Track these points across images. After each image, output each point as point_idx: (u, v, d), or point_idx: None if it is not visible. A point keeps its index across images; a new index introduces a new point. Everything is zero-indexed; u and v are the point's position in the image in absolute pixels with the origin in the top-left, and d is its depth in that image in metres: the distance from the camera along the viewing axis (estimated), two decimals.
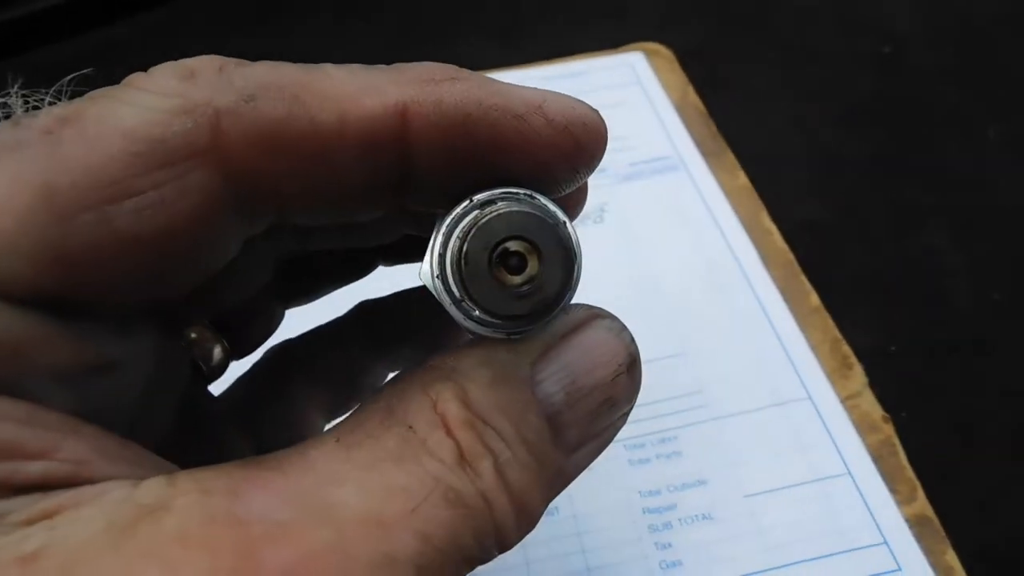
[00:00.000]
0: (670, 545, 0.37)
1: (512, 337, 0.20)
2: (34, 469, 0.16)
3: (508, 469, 0.18)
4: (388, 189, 0.20)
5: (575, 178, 0.21)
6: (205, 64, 0.18)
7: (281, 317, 0.30)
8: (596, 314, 0.21)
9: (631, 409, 0.22)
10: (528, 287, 0.19)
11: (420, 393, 0.19)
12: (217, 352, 0.27)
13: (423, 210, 0.21)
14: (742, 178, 0.51)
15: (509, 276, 0.19)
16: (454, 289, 0.19)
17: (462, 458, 0.18)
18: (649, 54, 0.59)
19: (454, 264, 0.19)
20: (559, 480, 0.20)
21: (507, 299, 0.19)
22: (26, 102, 0.19)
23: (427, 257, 0.20)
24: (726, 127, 0.54)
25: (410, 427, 0.18)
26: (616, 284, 0.47)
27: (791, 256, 0.47)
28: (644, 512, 0.38)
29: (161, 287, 0.19)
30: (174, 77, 0.18)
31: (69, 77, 0.20)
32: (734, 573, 0.36)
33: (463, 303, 0.19)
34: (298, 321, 0.31)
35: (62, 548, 0.15)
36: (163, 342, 0.22)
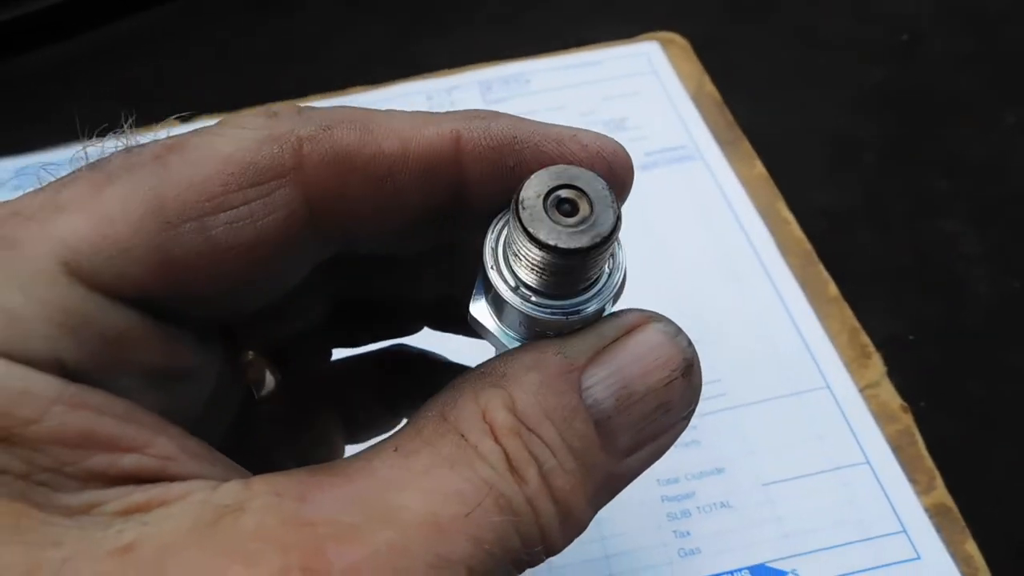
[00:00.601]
0: (688, 533, 0.37)
1: (569, 318, 0.21)
2: (128, 462, 0.18)
3: (553, 476, 0.19)
4: (445, 213, 0.22)
5: None
6: (286, 107, 0.21)
7: (328, 356, 0.32)
8: (649, 317, 0.22)
9: (693, 411, 0.22)
10: (583, 225, 0.20)
11: (471, 401, 0.20)
12: (269, 379, 0.29)
13: (474, 237, 0.23)
14: (759, 167, 0.51)
15: (564, 218, 0.20)
16: (508, 277, 0.21)
17: (510, 465, 0.19)
18: (664, 43, 0.59)
19: (512, 220, 0.20)
20: (611, 484, 0.21)
21: (565, 234, 0.19)
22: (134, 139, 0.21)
23: (484, 259, 0.21)
24: (741, 116, 0.54)
25: (462, 435, 0.19)
26: (633, 274, 0.46)
27: (808, 246, 0.47)
28: (663, 500, 0.38)
29: (240, 300, 0.21)
30: (261, 116, 0.21)
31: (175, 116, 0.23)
32: (752, 561, 0.36)
33: (519, 289, 0.21)
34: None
35: (154, 542, 0.17)
36: (227, 360, 0.24)
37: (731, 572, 0.36)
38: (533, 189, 0.20)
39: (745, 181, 0.50)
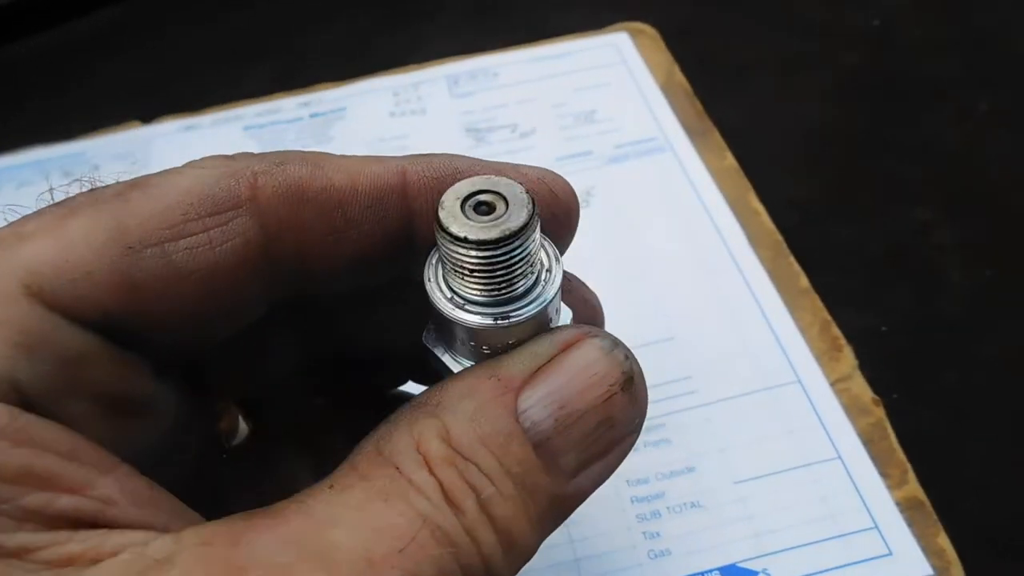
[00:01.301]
0: (658, 534, 0.36)
1: (499, 322, 0.21)
2: (65, 503, 0.18)
3: (492, 504, 0.19)
4: (394, 247, 0.23)
5: (548, 225, 0.23)
6: (244, 153, 0.23)
7: (303, 407, 0.31)
8: (584, 333, 0.22)
9: (640, 424, 0.22)
10: (496, 221, 0.20)
11: (405, 433, 0.20)
12: (242, 428, 0.29)
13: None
14: (729, 159, 0.50)
15: (479, 217, 0.21)
16: (444, 288, 0.22)
17: (446, 496, 0.19)
18: (634, 34, 0.58)
19: (434, 224, 0.21)
20: (559, 507, 0.21)
21: (476, 227, 0.20)
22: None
23: (424, 275, 0.22)
24: (712, 105, 0.53)
25: (397, 467, 0.19)
26: (603, 268, 0.46)
27: (779, 237, 0.46)
28: (632, 501, 0.37)
29: (204, 326, 0.22)
30: (220, 157, 0.22)
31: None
32: (723, 561, 0.35)
33: (453, 298, 0.21)
34: None
35: None
36: (192, 400, 0.25)
37: (702, 573, 0.35)
38: (453, 193, 0.21)
39: (715, 172, 0.50)
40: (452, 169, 0.23)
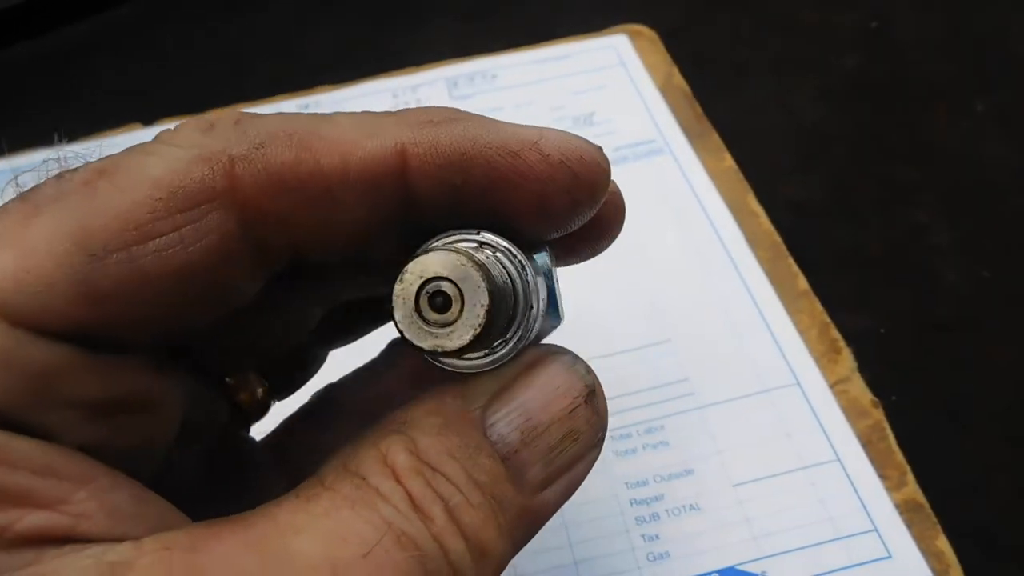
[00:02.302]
0: (657, 537, 0.37)
1: (466, 373, 0.21)
2: (34, 520, 0.17)
3: (460, 511, 0.19)
4: (393, 226, 0.21)
5: (576, 212, 0.22)
6: (223, 116, 0.20)
7: (323, 359, 0.31)
8: (547, 352, 0.22)
9: (603, 438, 0.22)
10: (449, 327, 0.19)
11: (371, 448, 0.20)
12: (259, 393, 0.28)
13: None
14: (728, 160, 0.50)
15: (433, 314, 0.19)
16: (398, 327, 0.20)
17: (414, 504, 0.19)
18: (632, 36, 0.58)
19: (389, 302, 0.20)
20: (528, 520, 0.21)
21: (428, 335, 0.19)
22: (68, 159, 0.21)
23: (393, 309, 0.20)
24: (711, 107, 0.53)
25: (363, 478, 0.19)
26: (601, 270, 0.46)
27: (778, 239, 0.46)
28: (631, 503, 0.37)
29: (184, 322, 0.21)
30: (196, 130, 0.20)
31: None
32: (722, 564, 0.36)
33: (407, 343, 0.20)
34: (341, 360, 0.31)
35: None
36: (199, 385, 0.24)
37: None
38: (403, 290, 0.19)
39: (714, 174, 0.50)
40: (458, 154, 0.21)
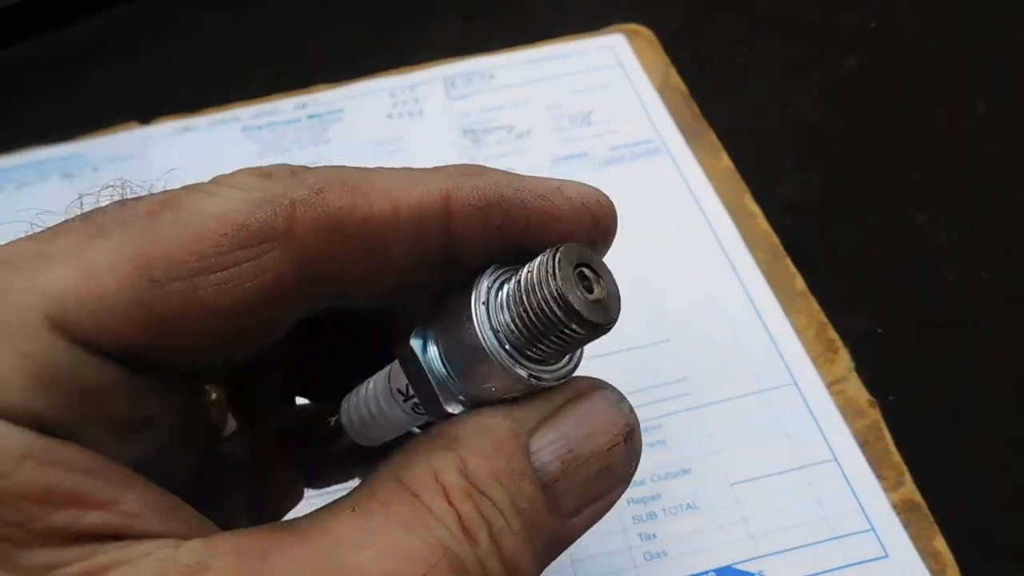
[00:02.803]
0: (654, 535, 0.36)
1: (531, 381, 0.21)
2: (93, 519, 0.18)
3: (502, 537, 0.20)
4: (433, 270, 0.23)
5: (595, 249, 0.24)
6: (279, 168, 0.22)
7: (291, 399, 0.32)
8: (596, 385, 0.23)
9: (633, 473, 0.23)
10: (599, 306, 0.21)
11: (423, 463, 0.21)
12: (231, 424, 0.29)
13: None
14: (725, 160, 0.50)
15: (586, 292, 0.21)
16: (492, 322, 0.21)
17: (463, 526, 0.20)
18: (630, 36, 0.58)
19: (541, 280, 0.21)
20: (555, 544, 0.22)
21: (587, 307, 0.21)
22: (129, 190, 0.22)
23: (473, 312, 0.22)
24: (709, 107, 0.53)
25: (417, 495, 0.20)
26: None
27: (775, 239, 0.46)
28: (628, 503, 0.37)
29: (223, 354, 0.22)
30: (254, 176, 0.21)
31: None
32: (719, 563, 0.35)
33: (498, 335, 0.21)
34: None
35: None
36: (189, 402, 0.25)
37: (698, 575, 0.35)
38: (566, 257, 0.21)
39: (711, 174, 0.50)
40: (497, 196, 0.22)
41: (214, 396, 0.28)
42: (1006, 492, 0.38)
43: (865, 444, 0.38)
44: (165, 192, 0.21)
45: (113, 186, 0.21)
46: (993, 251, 0.47)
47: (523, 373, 0.21)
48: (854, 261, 0.47)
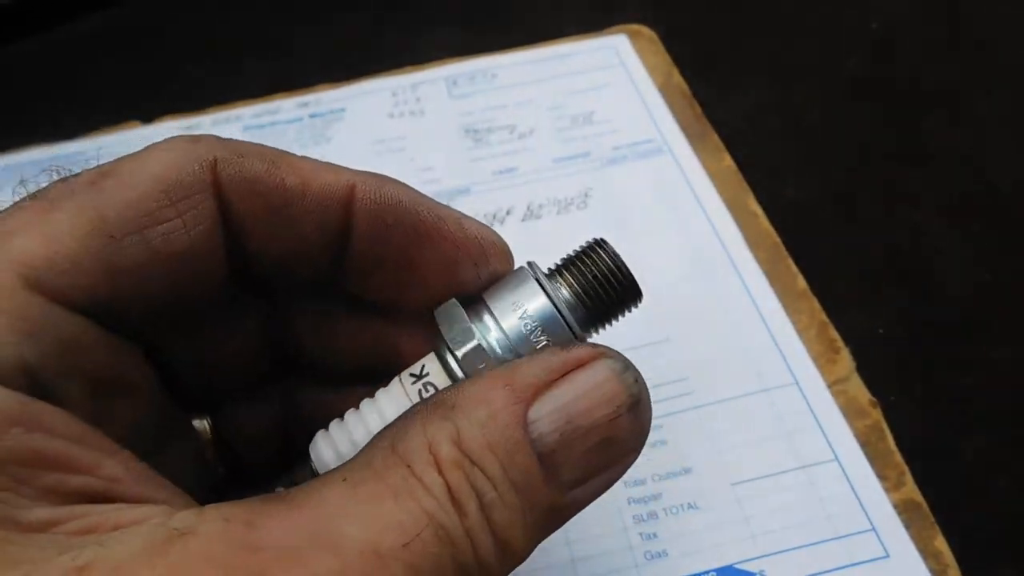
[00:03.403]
0: (655, 535, 0.36)
1: (576, 332, 0.24)
2: (76, 482, 0.19)
3: (492, 509, 0.20)
4: (330, 248, 0.25)
5: (475, 282, 0.26)
6: (207, 136, 0.24)
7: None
8: (600, 352, 0.23)
9: (642, 445, 0.23)
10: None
11: (419, 433, 0.21)
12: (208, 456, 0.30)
13: (356, 293, 0.27)
14: (727, 160, 0.50)
15: None
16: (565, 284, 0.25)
17: (452, 497, 0.20)
18: (632, 36, 0.58)
19: (607, 269, 0.25)
20: (554, 516, 0.22)
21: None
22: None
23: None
24: (710, 107, 0.53)
25: (409, 466, 0.20)
26: None
27: (777, 239, 0.46)
28: (629, 502, 0.37)
29: (177, 305, 0.24)
30: (184, 141, 0.24)
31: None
32: (720, 563, 0.35)
33: (560, 291, 0.25)
34: None
35: (108, 563, 0.18)
36: (169, 406, 0.26)
37: (698, 574, 0.35)
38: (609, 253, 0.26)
39: (713, 174, 0.50)
40: (395, 200, 0.25)
41: (196, 424, 0.29)
42: (1007, 492, 0.38)
43: (866, 444, 0.38)
44: (99, 165, 0.23)
45: (49, 170, 0.23)
46: (994, 253, 0.47)
47: (567, 327, 0.24)
48: (856, 262, 0.47)
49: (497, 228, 0.47)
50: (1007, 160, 0.51)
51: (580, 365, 0.22)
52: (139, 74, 0.62)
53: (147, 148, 0.24)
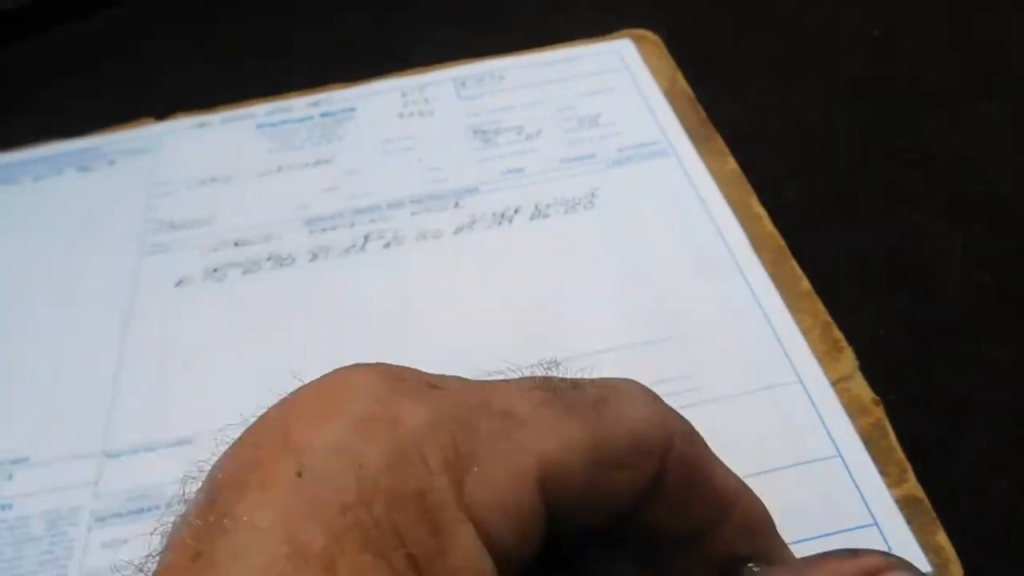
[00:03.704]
0: None
1: None
2: None
3: None
4: (639, 496, 0.24)
5: (757, 553, 0.27)
6: (667, 407, 0.24)
7: None
8: (891, 563, 0.23)
9: None
10: None
11: None
12: None
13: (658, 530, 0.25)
14: (731, 163, 0.51)
15: None
16: None
17: None
18: (637, 40, 0.59)
19: None
20: None
21: None
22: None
23: None
24: (715, 110, 0.54)
25: None
26: (606, 269, 0.47)
27: (781, 241, 0.47)
28: None
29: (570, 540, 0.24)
30: (655, 399, 0.24)
31: None
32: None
33: None
34: None
35: None
36: None
37: None
38: None
39: (717, 176, 0.50)
40: (698, 459, 0.24)
41: None
42: (1008, 491, 0.39)
43: (869, 441, 0.39)
44: (598, 387, 0.23)
45: (543, 363, 0.24)
46: (996, 255, 0.48)
47: None
48: (857, 263, 0.48)
49: (506, 227, 0.49)
50: (1007, 160, 0.52)
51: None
52: (152, 72, 0.62)
53: (626, 383, 0.24)
